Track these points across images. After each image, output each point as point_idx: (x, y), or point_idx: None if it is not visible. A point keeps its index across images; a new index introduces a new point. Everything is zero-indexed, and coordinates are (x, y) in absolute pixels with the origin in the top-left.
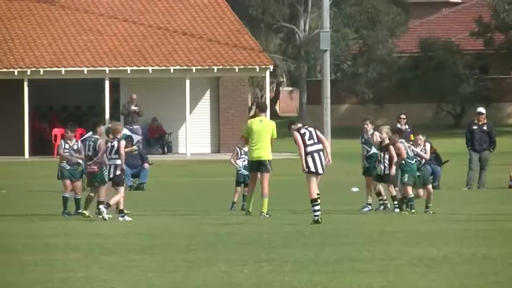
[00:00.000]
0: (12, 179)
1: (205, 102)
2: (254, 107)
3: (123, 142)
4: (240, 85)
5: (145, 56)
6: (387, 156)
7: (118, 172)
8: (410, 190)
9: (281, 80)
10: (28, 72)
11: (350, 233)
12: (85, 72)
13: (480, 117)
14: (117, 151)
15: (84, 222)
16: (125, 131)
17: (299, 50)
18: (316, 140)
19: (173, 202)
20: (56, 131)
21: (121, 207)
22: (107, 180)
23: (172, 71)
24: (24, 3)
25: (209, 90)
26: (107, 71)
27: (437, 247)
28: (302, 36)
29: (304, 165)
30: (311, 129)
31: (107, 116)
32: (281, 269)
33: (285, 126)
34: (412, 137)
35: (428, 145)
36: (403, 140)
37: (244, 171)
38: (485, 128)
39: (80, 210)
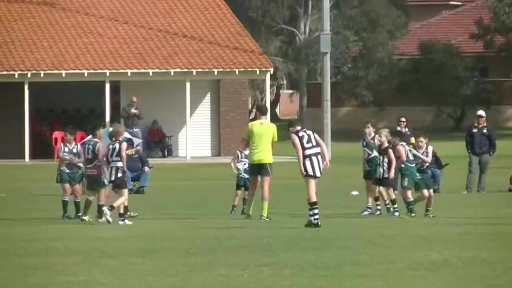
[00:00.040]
0: (12, 182)
1: (206, 105)
2: (254, 110)
3: (124, 144)
4: (241, 88)
5: (146, 58)
6: (386, 160)
7: (119, 174)
8: (409, 194)
9: (282, 82)
10: (29, 75)
11: (350, 236)
12: (86, 74)
13: (480, 120)
14: (119, 153)
15: (84, 226)
16: (125, 134)
17: (299, 53)
18: (314, 143)
19: (173, 205)
20: (57, 134)
21: (121, 210)
22: (106, 183)
23: (172, 73)
24: (25, 6)
25: (209, 93)
26: (107, 74)
27: (437, 251)
28: (302, 38)
29: (302, 168)
30: (309, 132)
31: (108, 119)
32: (281, 273)
33: (285, 129)
34: (412, 140)
35: (430, 148)
36: (403, 143)
37: (245, 174)
38: (485, 131)
39: (79, 214)
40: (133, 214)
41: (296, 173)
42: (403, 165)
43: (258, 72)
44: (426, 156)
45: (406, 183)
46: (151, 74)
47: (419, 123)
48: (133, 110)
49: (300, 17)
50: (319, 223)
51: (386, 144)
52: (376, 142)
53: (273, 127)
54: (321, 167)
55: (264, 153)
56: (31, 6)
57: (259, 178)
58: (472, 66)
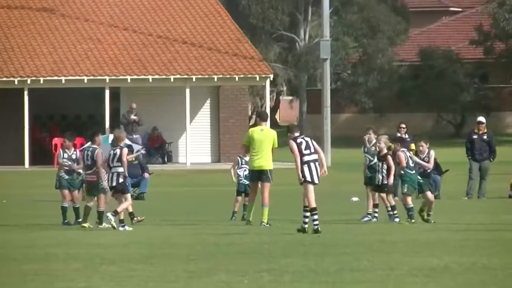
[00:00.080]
0: (11, 188)
1: (205, 111)
2: (254, 116)
3: (125, 150)
4: (240, 94)
5: (145, 65)
6: (385, 166)
7: (121, 180)
8: (410, 200)
9: (281, 89)
10: (28, 81)
11: (350, 243)
12: (85, 81)
13: (480, 127)
14: (119, 159)
15: (84, 232)
16: (125, 141)
17: (299, 59)
18: (312, 150)
19: (173, 211)
20: (56, 140)
21: (122, 216)
22: (106, 189)
23: (172, 80)
24: (24, 12)
25: (209, 99)
26: (107, 80)
27: (437, 257)
28: (302, 45)
29: (300, 174)
30: (307, 139)
31: (107, 125)
32: (281, 279)
33: (285, 136)
34: (412, 147)
35: (432, 153)
36: (404, 149)
37: (245, 180)
38: (485, 137)
39: (79, 220)
40: (140, 218)
41: (296, 179)
42: (402, 172)
43: (258, 79)
44: (428, 160)
45: (406, 190)
46: (151, 80)
47: (419, 130)
48: (132, 117)
49: (300, 23)
50: (319, 229)
51: (385, 151)
52: (376, 148)
53: (273, 134)
54: (319, 174)
55: (265, 160)
56: (31, 12)
57: (259, 184)
58: (472, 72)
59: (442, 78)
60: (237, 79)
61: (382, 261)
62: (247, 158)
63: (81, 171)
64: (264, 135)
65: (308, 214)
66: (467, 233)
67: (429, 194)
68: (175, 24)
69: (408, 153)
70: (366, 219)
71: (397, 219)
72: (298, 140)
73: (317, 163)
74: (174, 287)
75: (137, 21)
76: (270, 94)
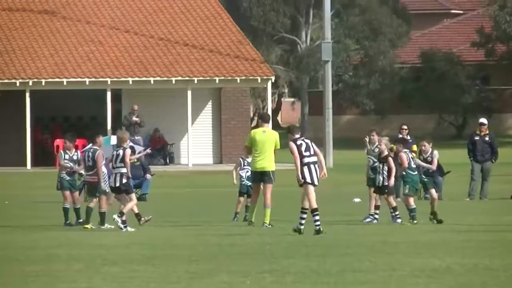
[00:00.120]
0: (13, 190)
1: (207, 113)
2: (256, 118)
3: (128, 151)
4: (242, 96)
5: (147, 67)
6: (386, 168)
7: (124, 180)
8: (412, 201)
9: (283, 91)
10: (30, 83)
11: (352, 243)
12: (87, 83)
13: (482, 128)
14: (122, 160)
15: (86, 233)
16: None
17: (301, 61)
18: (312, 152)
19: (175, 212)
20: (58, 142)
21: (124, 218)
22: (107, 190)
23: (173, 82)
24: (26, 14)
25: (211, 101)
26: (108, 82)
27: (439, 258)
28: (303, 47)
29: (300, 176)
30: (307, 140)
31: (109, 127)
32: (283, 280)
33: (287, 137)
34: (414, 148)
35: (436, 153)
36: (406, 151)
37: (247, 181)
38: (487, 139)
39: (80, 221)
40: (147, 218)
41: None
42: (404, 172)
43: (259, 80)
44: (432, 160)
45: (407, 190)
46: (152, 82)
47: (420, 131)
48: (134, 118)
49: (301, 25)
50: (321, 228)
51: (386, 152)
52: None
53: (275, 135)
54: (319, 176)
55: (267, 161)
56: (32, 15)
57: (261, 186)
58: (474, 74)
59: (444, 80)
60: (238, 81)
61: (384, 262)
62: (249, 159)
63: (83, 172)
64: (266, 137)
65: (305, 216)
66: (469, 234)
67: (433, 192)
68: (177, 26)
69: (410, 154)
70: (368, 220)
71: (399, 220)
72: (298, 142)
73: (316, 165)
74: None
75: (138, 24)
76: (271, 96)
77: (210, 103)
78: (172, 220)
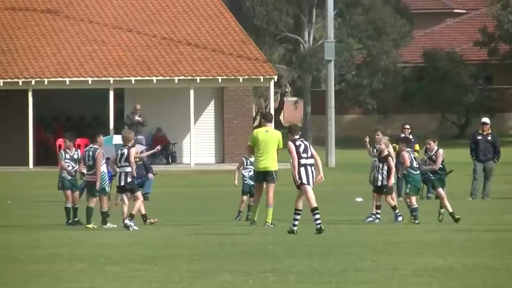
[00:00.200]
0: (15, 189)
1: (210, 112)
2: (258, 117)
3: (133, 150)
4: (245, 95)
5: (150, 66)
6: (385, 167)
7: (129, 179)
8: (414, 200)
9: (286, 90)
10: (33, 82)
11: (354, 243)
12: (90, 82)
13: (484, 127)
14: (127, 159)
15: (88, 232)
16: None
17: (303, 61)
18: (309, 155)
19: (177, 212)
20: (60, 141)
21: (133, 211)
22: (108, 190)
23: (176, 81)
24: (29, 14)
25: (213, 100)
26: (111, 81)
27: (441, 257)
28: (306, 46)
29: (297, 176)
30: (306, 143)
31: (112, 126)
32: (286, 280)
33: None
34: (416, 147)
35: (441, 152)
36: (409, 150)
37: (250, 181)
38: (489, 138)
39: (76, 219)
40: (153, 220)
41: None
42: (406, 172)
43: (262, 80)
44: (436, 158)
45: (408, 190)
46: (155, 81)
47: (423, 131)
48: (137, 118)
49: (304, 25)
50: (322, 227)
51: (386, 152)
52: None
53: (278, 134)
54: (315, 179)
55: (270, 160)
56: (35, 14)
57: (264, 185)
58: (476, 74)
59: (446, 79)
60: (241, 80)
61: (386, 261)
62: (252, 159)
63: (85, 171)
64: (269, 136)
65: (298, 217)
66: (471, 234)
67: (440, 191)
68: (179, 25)
69: (412, 154)
70: (370, 219)
71: (400, 218)
72: (297, 143)
73: (313, 168)
74: (178, 287)
75: (141, 23)
76: (274, 95)
77: (212, 102)
78: (174, 219)
